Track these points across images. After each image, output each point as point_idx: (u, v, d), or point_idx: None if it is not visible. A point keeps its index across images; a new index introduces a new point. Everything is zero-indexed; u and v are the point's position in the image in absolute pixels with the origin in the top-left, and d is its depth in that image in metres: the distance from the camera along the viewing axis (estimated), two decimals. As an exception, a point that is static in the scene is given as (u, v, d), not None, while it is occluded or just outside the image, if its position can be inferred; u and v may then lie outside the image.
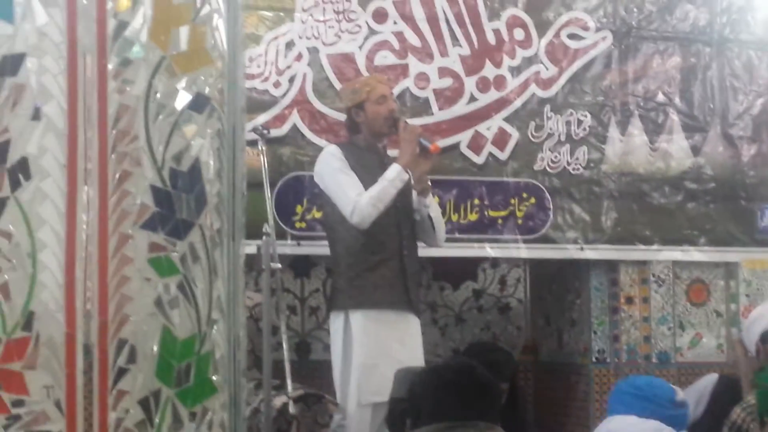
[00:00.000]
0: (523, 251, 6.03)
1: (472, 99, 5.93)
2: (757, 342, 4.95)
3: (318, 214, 5.45)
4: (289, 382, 4.71)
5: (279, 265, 4.67)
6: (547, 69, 6.06)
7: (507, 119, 5.98)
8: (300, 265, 6.67)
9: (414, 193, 4.87)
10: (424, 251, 5.04)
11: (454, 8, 5.91)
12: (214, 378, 2.29)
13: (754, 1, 6.53)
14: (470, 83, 5.92)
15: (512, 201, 5.96)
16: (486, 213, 5.91)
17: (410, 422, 2.92)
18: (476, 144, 5.92)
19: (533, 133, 6.02)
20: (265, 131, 5.15)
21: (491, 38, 5.98)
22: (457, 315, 7.18)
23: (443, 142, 5.53)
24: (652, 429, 3.61)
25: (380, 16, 5.80)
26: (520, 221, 5.96)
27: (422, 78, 5.85)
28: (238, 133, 2.42)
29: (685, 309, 6.38)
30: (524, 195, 5.98)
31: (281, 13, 5.69)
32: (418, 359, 4.69)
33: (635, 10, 6.27)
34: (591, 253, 6.12)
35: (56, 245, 2.15)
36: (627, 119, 6.21)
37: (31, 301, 2.15)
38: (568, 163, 6.06)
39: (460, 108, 5.91)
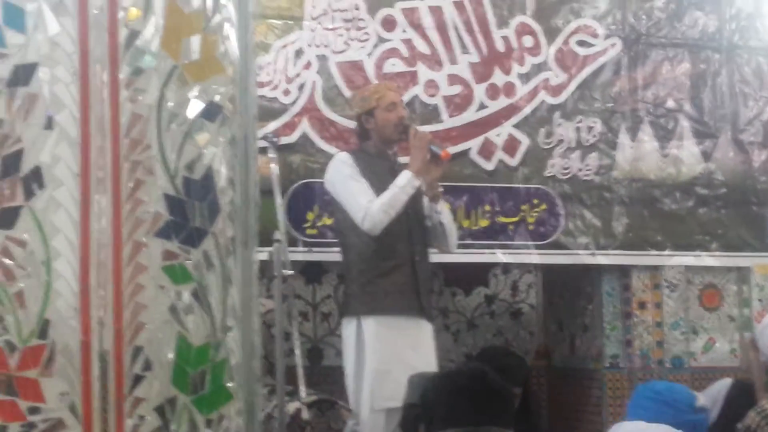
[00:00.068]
0: (534, 257, 6.03)
1: (482, 106, 5.94)
2: (771, 346, 4.95)
3: (329, 221, 5.46)
4: (302, 387, 4.73)
5: (291, 272, 4.68)
6: (556, 76, 6.07)
7: (517, 126, 6.00)
8: (311, 272, 6.68)
9: (425, 200, 4.87)
10: (435, 257, 5.05)
11: (463, 16, 5.92)
12: (229, 385, 2.29)
13: (764, 7, 6.53)
14: (480, 90, 5.94)
15: (523, 207, 5.97)
16: (497, 219, 5.92)
17: (423, 428, 2.92)
18: (486, 151, 5.93)
19: (543, 139, 6.03)
20: (275, 139, 5.18)
21: (500, 45, 6.00)
22: (470, 320, 7.18)
23: (453, 149, 5.54)
24: (660, 434, 3.60)
25: (389, 24, 5.83)
26: (531, 227, 5.97)
27: (431, 85, 5.87)
28: (251, 141, 2.43)
29: (698, 314, 6.37)
30: (535, 201, 5.98)
31: (290, 22, 5.71)
32: (431, 365, 4.69)
33: (644, 17, 6.28)
34: (603, 258, 6.13)
35: (70, 253, 2.16)
36: (637, 125, 6.22)
37: (46, 309, 2.16)
38: (579, 170, 6.06)
39: (470, 115, 5.92)
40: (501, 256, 6.01)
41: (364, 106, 4.86)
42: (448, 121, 5.89)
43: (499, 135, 5.96)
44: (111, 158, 2.18)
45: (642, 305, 6.24)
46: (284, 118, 5.64)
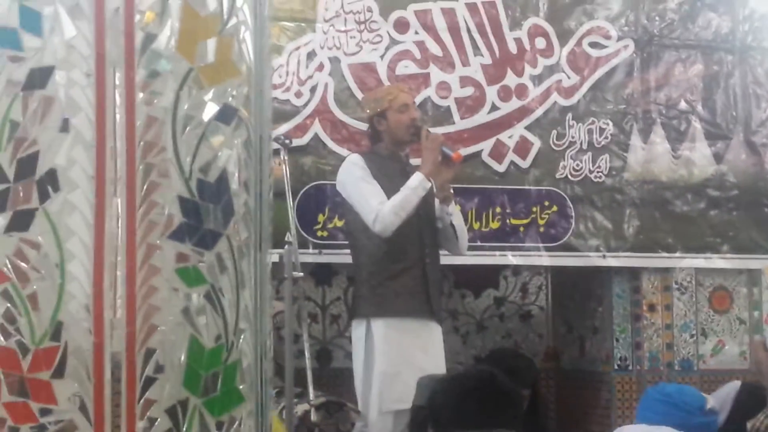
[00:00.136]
0: (545, 259, 6.04)
1: (494, 108, 5.95)
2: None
3: (340, 223, 5.47)
4: (310, 389, 4.73)
5: (301, 274, 4.69)
6: (568, 77, 6.08)
7: (528, 128, 6.00)
8: (321, 274, 6.70)
9: (436, 202, 4.87)
10: (445, 259, 5.05)
11: (476, 18, 5.93)
12: (240, 387, 2.30)
13: (777, 9, 6.53)
14: (492, 92, 5.94)
15: (534, 209, 5.97)
16: (508, 221, 5.93)
17: (432, 430, 2.92)
18: (498, 152, 5.93)
19: (555, 141, 6.03)
20: (287, 141, 5.18)
21: (513, 47, 6.00)
22: (479, 322, 7.18)
23: (465, 151, 5.54)
24: (661, 436, 3.60)
25: (402, 26, 5.83)
26: (542, 229, 5.97)
27: (444, 87, 5.88)
28: (265, 143, 2.43)
29: (707, 316, 6.37)
30: (546, 203, 5.99)
31: (303, 24, 5.72)
32: (440, 367, 4.69)
33: (657, 18, 6.28)
34: (613, 260, 6.13)
35: (84, 256, 2.16)
36: (649, 127, 6.21)
37: (59, 311, 2.16)
38: (590, 171, 6.07)
39: (482, 117, 5.93)
40: (511, 258, 6.02)
41: (376, 107, 4.86)
42: (459, 123, 5.89)
43: (510, 137, 5.96)
44: (126, 161, 2.18)
45: (652, 307, 6.25)
46: (296, 120, 5.65)
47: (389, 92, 4.93)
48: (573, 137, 6.06)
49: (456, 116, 5.89)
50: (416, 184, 4.65)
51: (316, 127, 5.67)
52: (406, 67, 5.83)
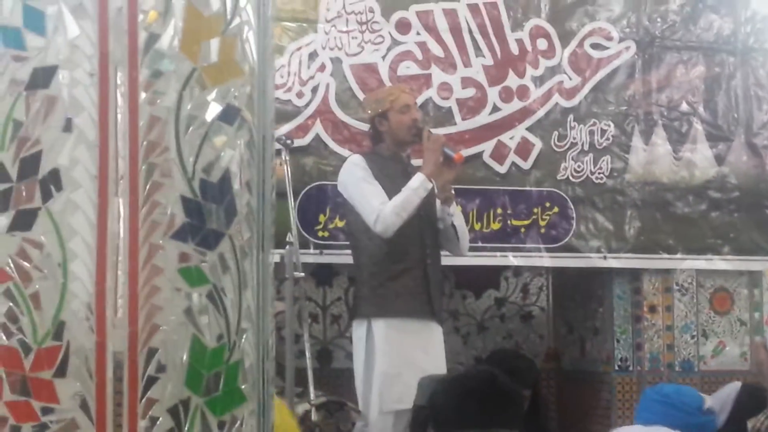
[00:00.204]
0: (546, 260, 6.04)
1: (495, 109, 5.95)
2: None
3: (341, 224, 5.47)
4: (311, 389, 4.74)
5: (302, 274, 4.70)
6: (570, 79, 6.08)
7: (530, 129, 6.00)
8: (322, 274, 6.70)
9: (438, 202, 4.88)
10: (446, 260, 5.06)
11: (477, 19, 5.93)
12: (242, 387, 2.30)
13: (779, 10, 6.54)
14: (493, 93, 5.95)
15: (535, 210, 5.97)
16: (509, 222, 5.93)
17: (432, 430, 2.92)
18: (499, 153, 5.94)
19: (556, 142, 6.04)
20: (289, 141, 5.19)
21: (514, 48, 6.00)
22: (479, 323, 7.19)
23: (466, 152, 5.55)
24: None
25: (403, 26, 5.83)
26: (543, 230, 5.97)
27: (445, 88, 5.88)
28: (268, 143, 2.42)
29: (708, 317, 6.37)
30: (547, 204, 5.99)
31: (304, 24, 5.73)
32: (441, 367, 4.70)
33: (659, 20, 6.28)
34: (614, 261, 6.13)
35: (87, 255, 2.15)
36: (650, 129, 6.22)
37: (61, 311, 2.15)
38: (592, 173, 6.07)
39: (483, 118, 5.93)
40: (512, 259, 6.02)
41: (378, 108, 4.86)
42: (461, 124, 5.90)
43: (512, 138, 5.97)
44: (129, 161, 2.18)
45: (653, 309, 6.25)
46: (297, 121, 5.66)
47: (391, 93, 4.94)
48: (574, 138, 6.06)
49: (457, 117, 5.89)
50: (417, 185, 4.66)
51: (318, 128, 5.68)
52: (408, 68, 5.83)
